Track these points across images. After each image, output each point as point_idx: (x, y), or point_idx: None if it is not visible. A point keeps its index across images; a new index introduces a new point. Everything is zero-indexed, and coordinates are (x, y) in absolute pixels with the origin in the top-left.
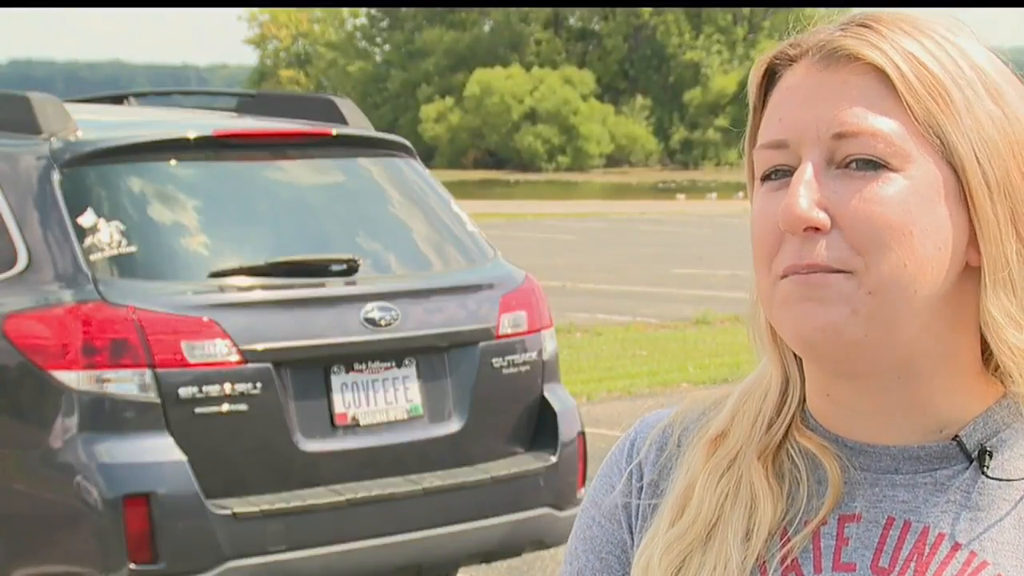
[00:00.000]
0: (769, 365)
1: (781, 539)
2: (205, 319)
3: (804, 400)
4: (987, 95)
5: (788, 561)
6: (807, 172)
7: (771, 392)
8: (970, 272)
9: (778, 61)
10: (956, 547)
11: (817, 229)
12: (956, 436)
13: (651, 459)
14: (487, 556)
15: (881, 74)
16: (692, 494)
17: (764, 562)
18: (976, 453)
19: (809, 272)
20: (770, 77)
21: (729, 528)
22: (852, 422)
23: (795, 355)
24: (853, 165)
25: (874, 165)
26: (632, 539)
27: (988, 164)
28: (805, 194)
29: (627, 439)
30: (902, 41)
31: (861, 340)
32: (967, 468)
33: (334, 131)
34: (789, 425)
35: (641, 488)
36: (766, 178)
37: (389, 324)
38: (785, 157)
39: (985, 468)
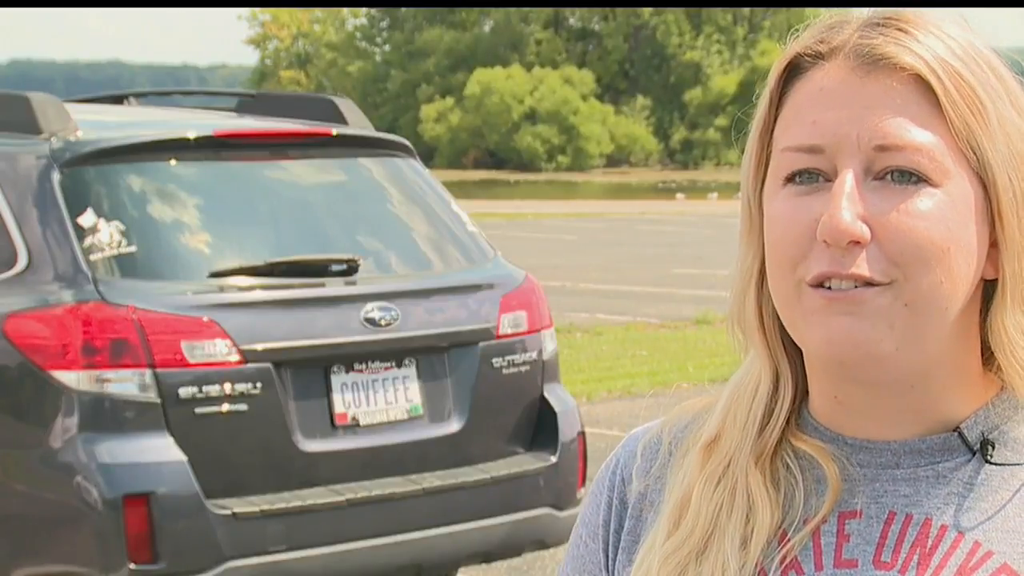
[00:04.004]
0: (757, 362)
1: (780, 542)
2: (205, 319)
3: (796, 398)
4: (1011, 106)
5: (788, 560)
6: (848, 183)
7: (760, 390)
8: (979, 284)
9: (805, 56)
10: (959, 537)
11: (857, 242)
12: (957, 428)
13: (640, 470)
14: (487, 556)
15: (923, 84)
16: (688, 504)
17: (763, 567)
18: (978, 444)
19: (847, 282)
20: (789, 71)
21: (726, 537)
22: (857, 422)
23: (786, 352)
24: (891, 177)
25: (914, 179)
26: (607, 558)
27: (1018, 179)
28: (848, 207)
29: (613, 456)
30: (936, 47)
31: (891, 354)
32: (969, 460)
33: (334, 131)
34: (784, 427)
35: (624, 504)
36: (790, 180)
37: (389, 324)
38: (818, 162)
39: (988, 457)
